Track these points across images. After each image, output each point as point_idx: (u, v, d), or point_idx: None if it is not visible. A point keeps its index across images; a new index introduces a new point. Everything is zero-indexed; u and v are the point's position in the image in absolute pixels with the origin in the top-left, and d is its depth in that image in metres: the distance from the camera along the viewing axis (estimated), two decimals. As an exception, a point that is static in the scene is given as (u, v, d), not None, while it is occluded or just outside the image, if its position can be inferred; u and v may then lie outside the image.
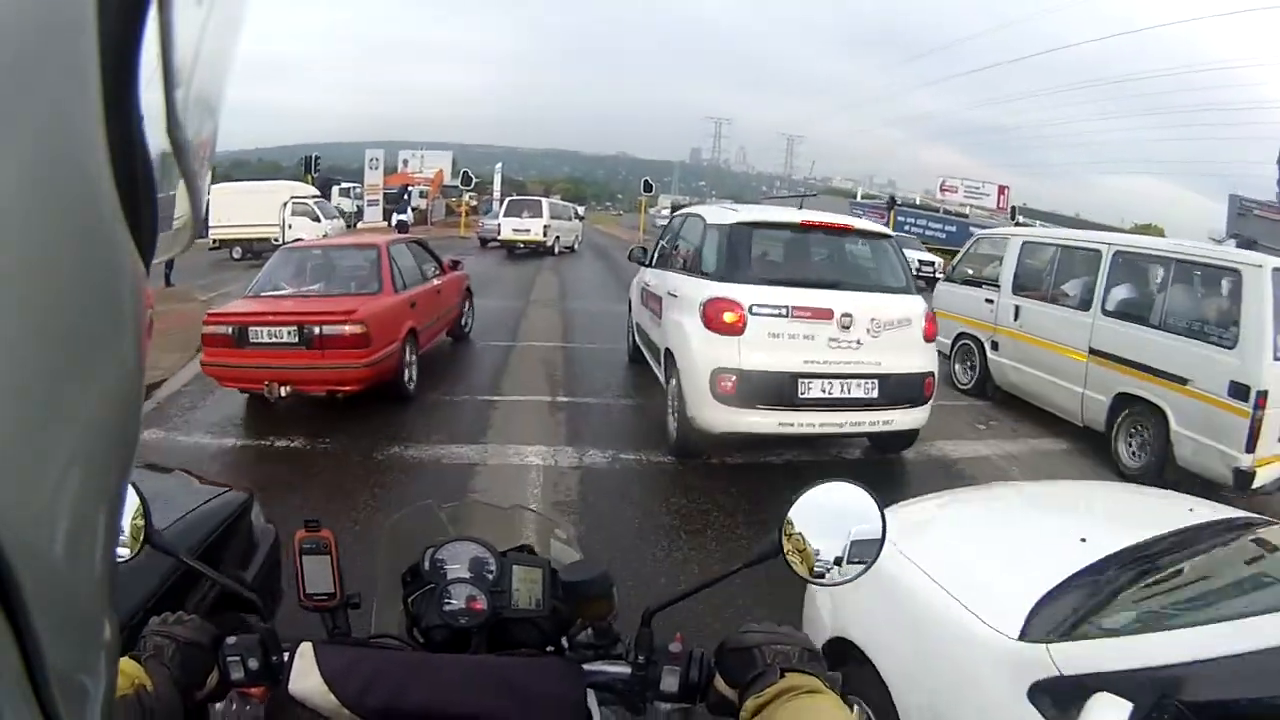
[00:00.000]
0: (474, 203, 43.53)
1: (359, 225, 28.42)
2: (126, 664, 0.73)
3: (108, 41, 0.21)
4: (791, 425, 4.19)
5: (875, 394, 4.24)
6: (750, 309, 4.12)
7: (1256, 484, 4.08)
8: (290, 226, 17.47)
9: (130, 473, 0.29)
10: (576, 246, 23.51)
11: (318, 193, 20.72)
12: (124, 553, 0.83)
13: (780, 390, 4.11)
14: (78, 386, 0.23)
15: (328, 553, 0.87)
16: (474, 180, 31.26)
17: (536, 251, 20.00)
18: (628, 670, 0.83)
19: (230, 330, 5.11)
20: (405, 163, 39.45)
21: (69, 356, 0.22)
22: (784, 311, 4.14)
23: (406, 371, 5.64)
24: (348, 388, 5.13)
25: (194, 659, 0.79)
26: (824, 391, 4.19)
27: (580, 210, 32.91)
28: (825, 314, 4.17)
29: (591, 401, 5.90)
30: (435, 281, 6.72)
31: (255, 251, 17.61)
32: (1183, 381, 4.43)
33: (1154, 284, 5.01)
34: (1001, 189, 40.64)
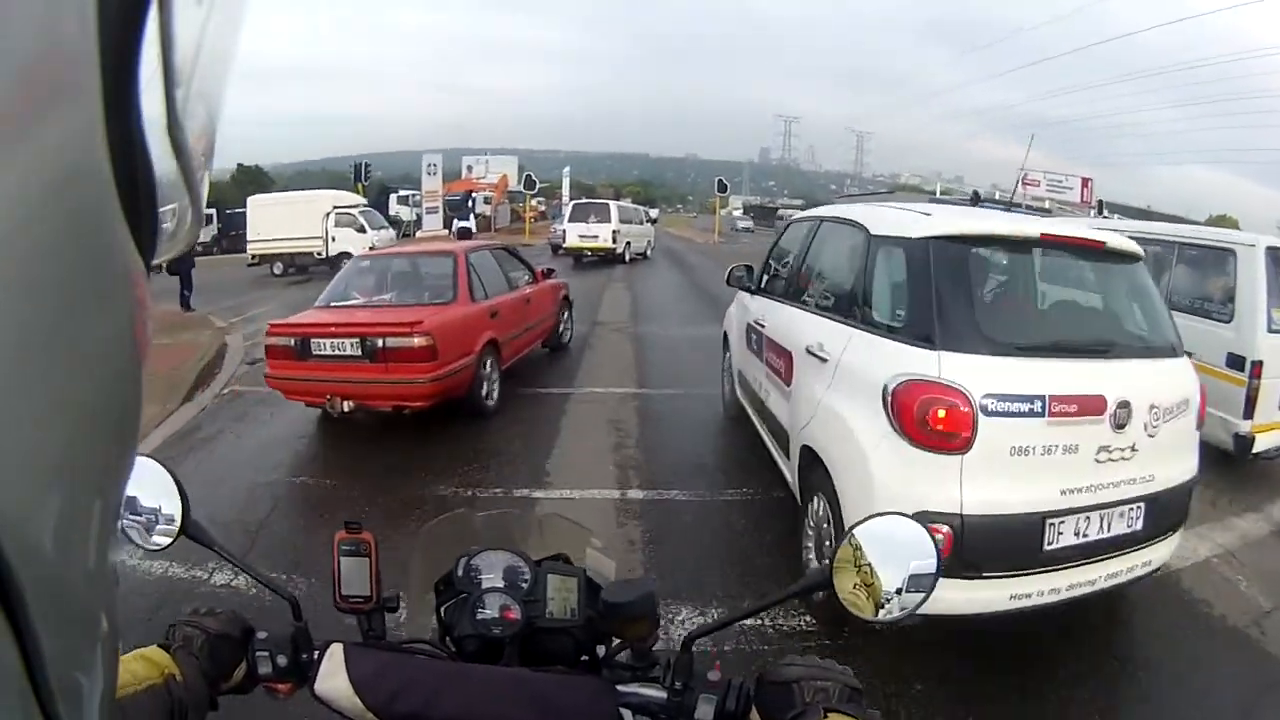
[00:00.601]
0: (543, 208, 43.95)
1: (418, 234, 28.20)
2: (156, 653, 0.73)
3: (108, 41, 0.21)
4: (1028, 597, 2.43)
5: (1139, 525, 2.57)
6: (983, 406, 2.35)
7: (1257, 449, 4.39)
8: (334, 239, 16.71)
9: (129, 472, 0.29)
10: (649, 253, 21.86)
11: (363, 201, 19.84)
12: (162, 541, 0.84)
13: (1020, 544, 2.39)
14: (77, 386, 0.23)
15: (367, 555, 0.85)
16: (537, 184, 30.36)
17: (606, 259, 18.71)
18: (663, 695, 0.79)
19: (293, 342, 4.93)
20: (469, 169, 39.72)
21: (68, 356, 0.22)
22: (1037, 407, 2.38)
23: (485, 386, 5.34)
24: (414, 404, 4.85)
25: (223, 651, 0.79)
26: (1079, 534, 2.46)
27: (653, 213, 31.59)
28: (1095, 407, 2.44)
29: (678, 497, 4.01)
30: (525, 290, 6.41)
31: (299, 266, 16.95)
32: (1187, 355, 4.23)
33: (1160, 266, 5.07)
34: (1085, 181, 37.94)
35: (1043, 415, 2.37)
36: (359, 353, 4.75)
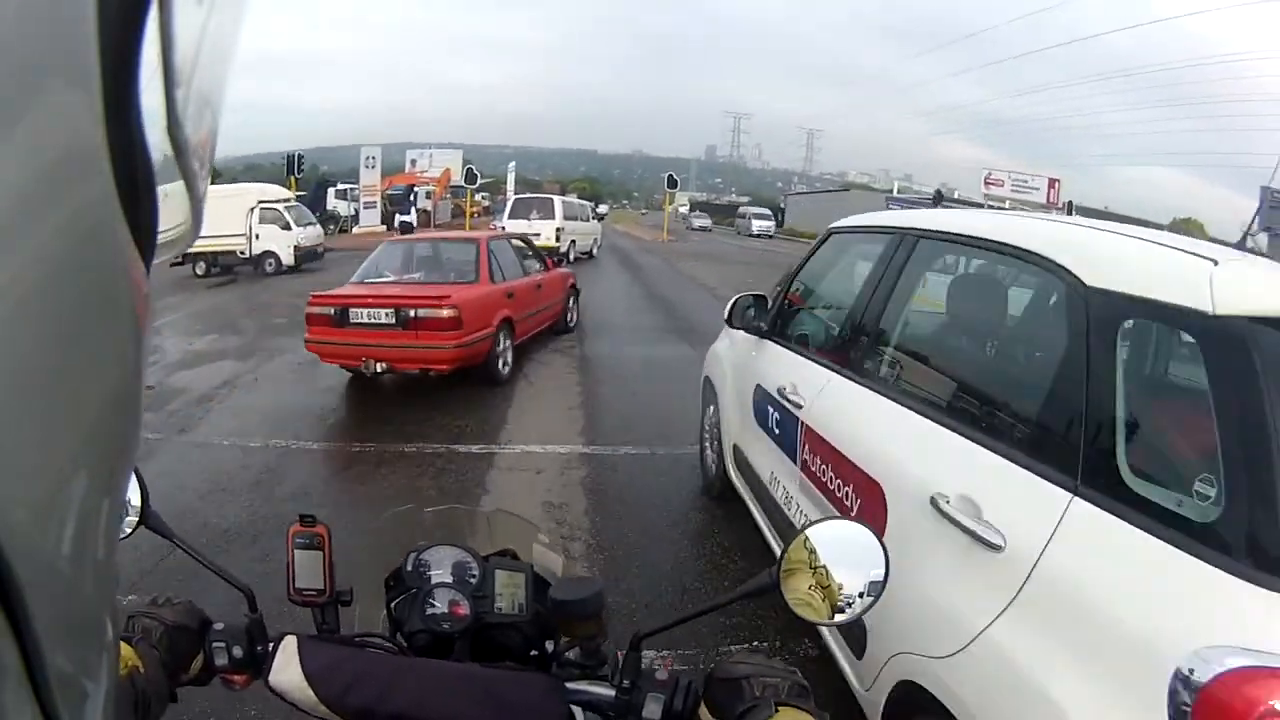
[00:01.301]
0: (487, 203, 42.97)
1: (355, 230, 27.07)
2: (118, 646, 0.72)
3: (108, 41, 0.21)
4: None
5: None
6: None
7: None
8: (258, 236, 15.58)
9: (129, 472, 0.29)
10: (595, 252, 21.11)
11: (290, 196, 18.57)
12: (123, 529, 0.83)
13: None
14: (78, 386, 0.23)
15: (320, 548, 0.89)
16: (478, 178, 28.82)
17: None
18: (612, 693, 0.81)
19: (333, 311, 5.71)
20: (413, 162, 38.40)
21: (69, 356, 0.22)
22: None
23: (500, 359, 6.14)
24: (439, 367, 5.62)
25: (180, 642, 0.80)
26: None
27: (602, 209, 31.15)
28: None
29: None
30: (537, 277, 7.30)
31: (223, 266, 15.65)
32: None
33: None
34: (1052, 182, 37.59)
35: None
36: (393, 321, 5.54)
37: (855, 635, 1.87)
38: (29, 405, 0.21)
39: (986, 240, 1.97)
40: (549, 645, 0.93)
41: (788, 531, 2.51)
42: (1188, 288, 1.28)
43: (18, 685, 0.22)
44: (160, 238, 0.27)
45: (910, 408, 1.95)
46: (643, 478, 4.15)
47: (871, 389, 2.19)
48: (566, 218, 18.43)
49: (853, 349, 2.42)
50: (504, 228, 17.50)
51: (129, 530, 0.85)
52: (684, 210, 66.52)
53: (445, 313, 5.46)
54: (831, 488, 2.19)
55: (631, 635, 0.81)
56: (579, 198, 29.04)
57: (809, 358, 2.69)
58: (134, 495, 0.85)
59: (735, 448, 3.34)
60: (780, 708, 0.72)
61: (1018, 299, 2.07)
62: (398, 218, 23.01)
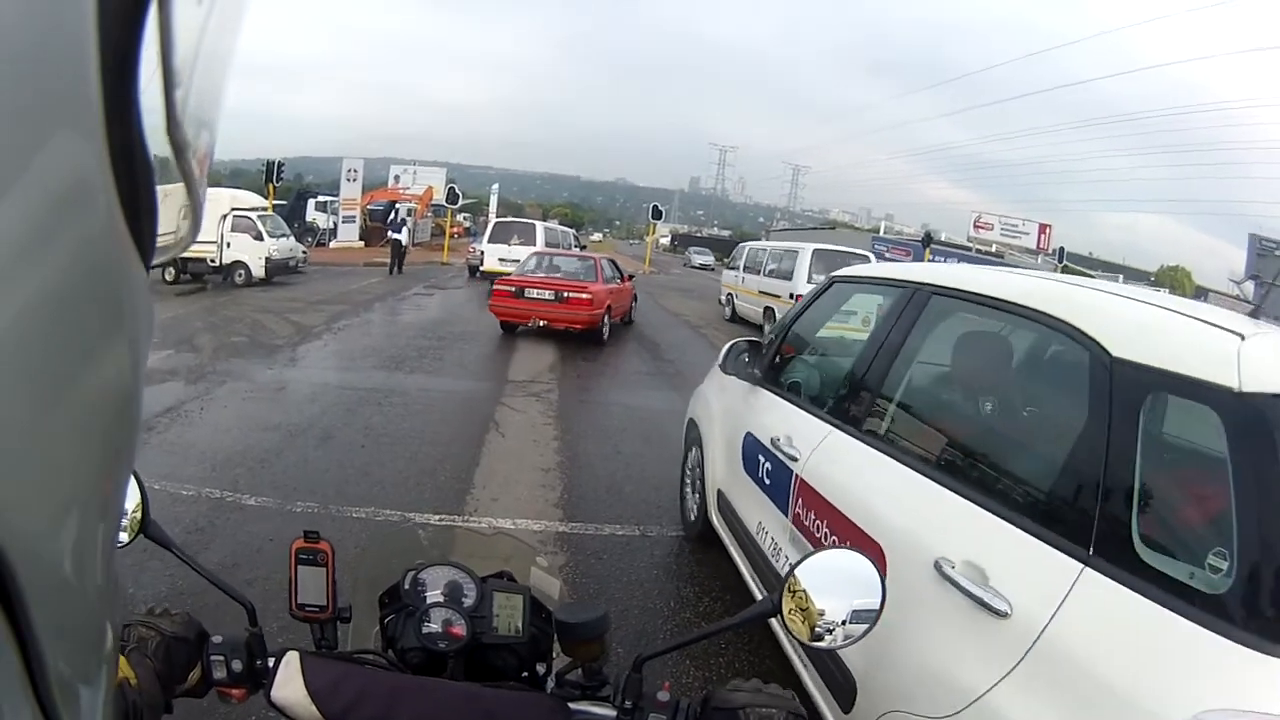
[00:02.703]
0: (469, 225, 43.11)
1: (332, 244, 26.38)
2: None
3: (108, 42, 0.21)
4: None
5: None
6: None
7: None
8: (229, 245, 15.14)
9: (129, 474, 0.31)
10: None
11: (265, 205, 18.06)
12: (121, 537, 0.87)
13: None
14: (78, 389, 0.23)
15: (324, 565, 0.93)
16: (460, 198, 27.98)
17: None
18: (613, 714, 0.85)
19: (514, 289, 10.67)
20: (396, 178, 37.84)
21: (69, 358, 0.23)
22: None
23: (605, 328, 11.14)
24: (577, 325, 10.49)
25: (178, 653, 0.83)
26: None
27: (596, 236, 31.36)
28: None
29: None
30: (620, 285, 12.51)
31: (192, 274, 15.03)
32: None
33: None
34: (1043, 227, 37.02)
35: None
36: (552, 297, 10.46)
37: (844, 689, 1.89)
38: (28, 408, 0.21)
39: (1005, 301, 1.93)
40: (540, 668, 0.97)
41: (772, 580, 2.54)
42: (1215, 363, 1.30)
43: (19, 688, 0.22)
44: (159, 240, 0.27)
45: (915, 468, 1.95)
46: (631, 562, 3.76)
47: (874, 447, 2.17)
48: (548, 245, 17.64)
49: (855, 404, 2.39)
50: (482, 251, 18.26)
51: (128, 539, 0.89)
52: (664, 241, 68.01)
53: (585, 295, 10.45)
54: (826, 545, 2.17)
55: (634, 657, 0.85)
56: (560, 224, 28.82)
57: (806, 410, 2.68)
58: (135, 505, 0.90)
59: (720, 493, 3.34)
60: None
61: (1034, 363, 2.06)
62: (390, 234, 22.18)
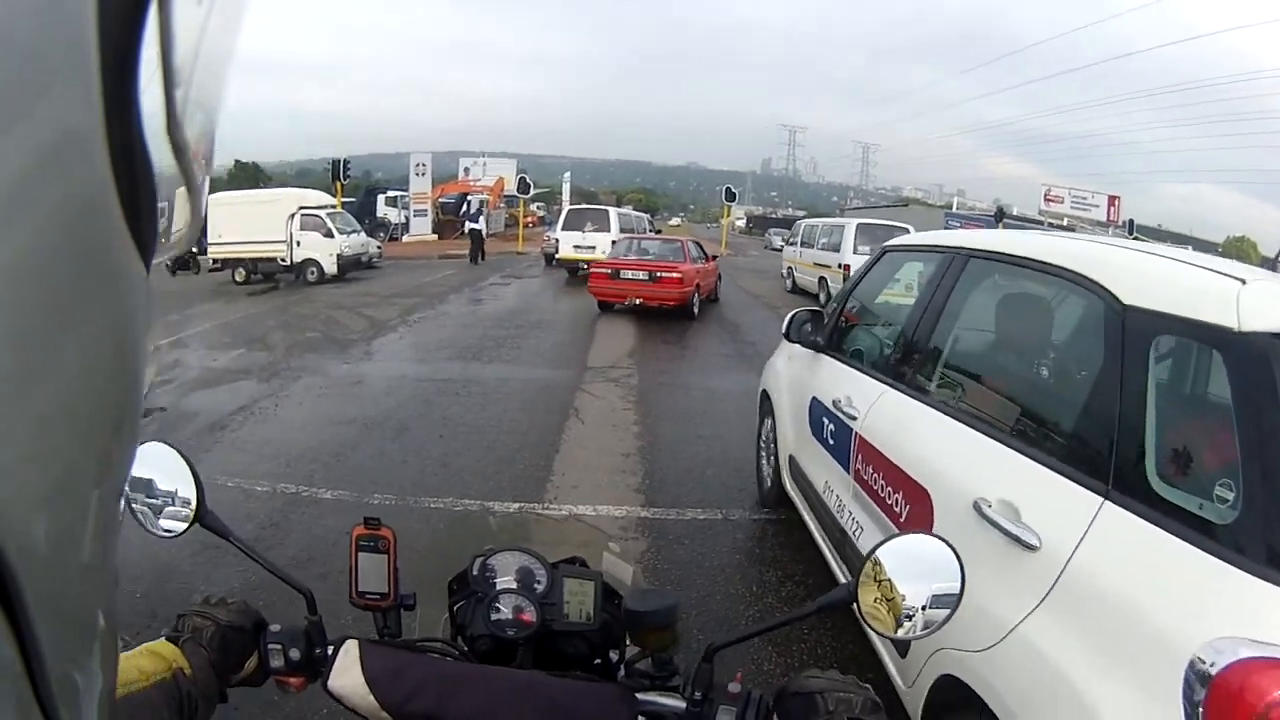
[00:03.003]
0: (543, 214, 44.45)
1: (405, 238, 26.63)
2: (164, 647, 0.77)
3: (108, 41, 0.21)
4: None
5: None
6: None
7: None
8: (299, 244, 15.24)
9: (129, 472, 0.31)
10: None
11: (333, 202, 18.17)
12: (177, 526, 0.87)
13: None
14: (78, 387, 0.23)
15: (385, 552, 0.91)
16: (531, 187, 27.65)
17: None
18: (682, 705, 0.82)
19: (610, 270, 11.37)
20: (466, 170, 37.87)
21: (69, 357, 0.23)
22: None
23: (695, 305, 11.66)
24: (670, 303, 11.05)
25: (234, 643, 0.83)
26: None
27: (674, 221, 32.10)
28: None
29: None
30: (706, 265, 12.87)
31: (264, 273, 15.43)
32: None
33: None
34: (1112, 199, 37.02)
35: None
36: (645, 277, 11.06)
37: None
38: (27, 406, 0.21)
39: (1032, 260, 2.08)
40: (613, 655, 0.96)
41: (840, 539, 2.65)
42: (1216, 305, 1.38)
43: (17, 683, 0.22)
44: (159, 240, 0.27)
45: (956, 418, 2.10)
46: (710, 545, 3.65)
47: (921, 401, 2.34)
48: (622, 230, 17.01)
49: (904, 363, 2.56)
50: (557, 239, 17.79)
51: (183, 527, 0.87)
52: (740, 224, 67.34)
53: (676, 274, 11.06)
54: (882, 495, 2.32)
55: (706, 647, 0.83)
56: (634, 209, 28.30)
57: (863, 371, 2.84)
58: (190, 494, 0.87)
59: (791, 458, 3.48)
60: None
61: (1057, 314, 2.13)
62: (467, 225, 22.48)
